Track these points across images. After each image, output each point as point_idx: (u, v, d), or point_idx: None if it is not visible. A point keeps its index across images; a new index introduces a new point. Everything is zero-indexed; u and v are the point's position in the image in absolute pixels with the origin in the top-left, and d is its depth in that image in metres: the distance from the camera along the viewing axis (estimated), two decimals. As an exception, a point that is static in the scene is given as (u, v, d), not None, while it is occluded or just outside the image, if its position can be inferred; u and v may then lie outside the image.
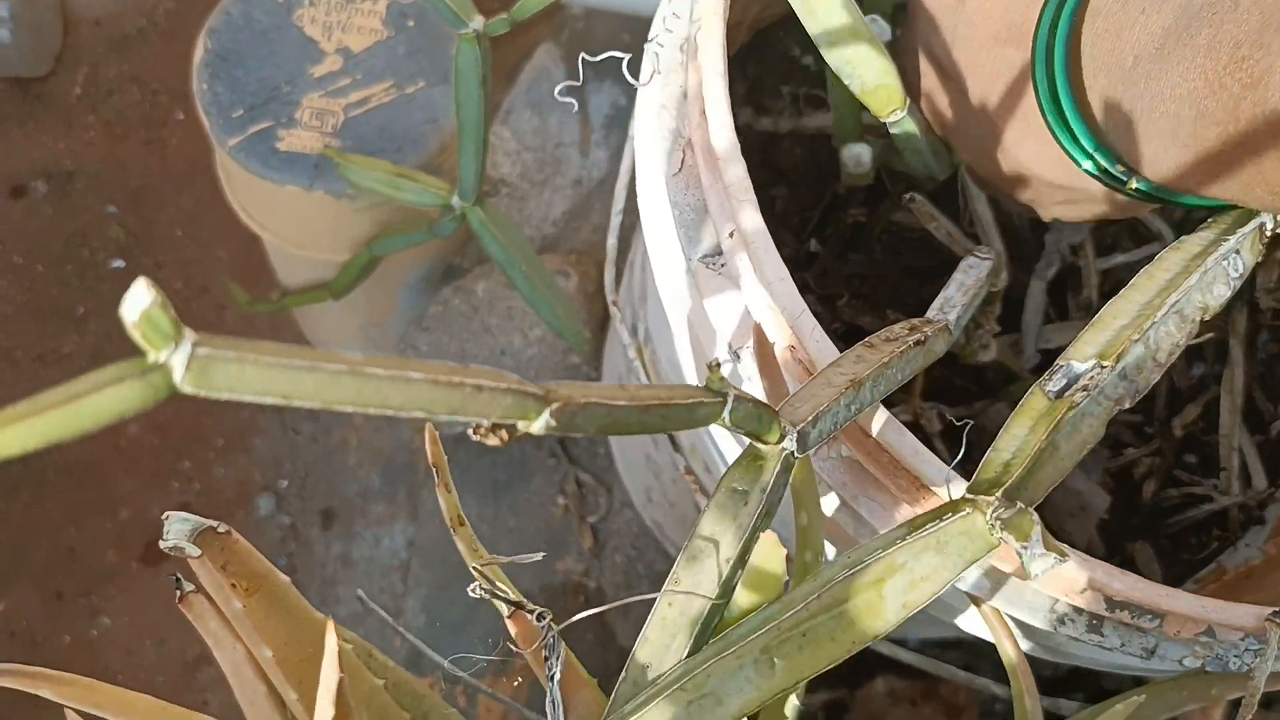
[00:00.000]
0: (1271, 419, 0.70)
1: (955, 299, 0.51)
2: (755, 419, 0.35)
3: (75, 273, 1.27)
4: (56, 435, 0.22)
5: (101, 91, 1.32)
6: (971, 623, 0.51)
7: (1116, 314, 0.42)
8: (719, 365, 0.33)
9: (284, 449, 1.22)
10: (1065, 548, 0.35)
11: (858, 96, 0.51)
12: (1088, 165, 0.48)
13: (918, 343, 0.45)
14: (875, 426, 0.45)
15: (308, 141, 0.85)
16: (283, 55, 0.87)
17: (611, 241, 0.69)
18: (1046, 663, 0.83)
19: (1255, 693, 0.44)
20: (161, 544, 0.44)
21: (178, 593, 0.44)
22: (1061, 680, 0.93)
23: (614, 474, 1.02)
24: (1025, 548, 0.34)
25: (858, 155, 0.58)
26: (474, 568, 0.41)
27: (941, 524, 0.36)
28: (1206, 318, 0.44)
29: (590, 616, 0.96)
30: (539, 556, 0.42)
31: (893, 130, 0.54)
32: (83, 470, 1.21)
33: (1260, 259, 0.47)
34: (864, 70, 0.49)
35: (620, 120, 1.13)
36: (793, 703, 0.49)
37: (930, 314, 0.51)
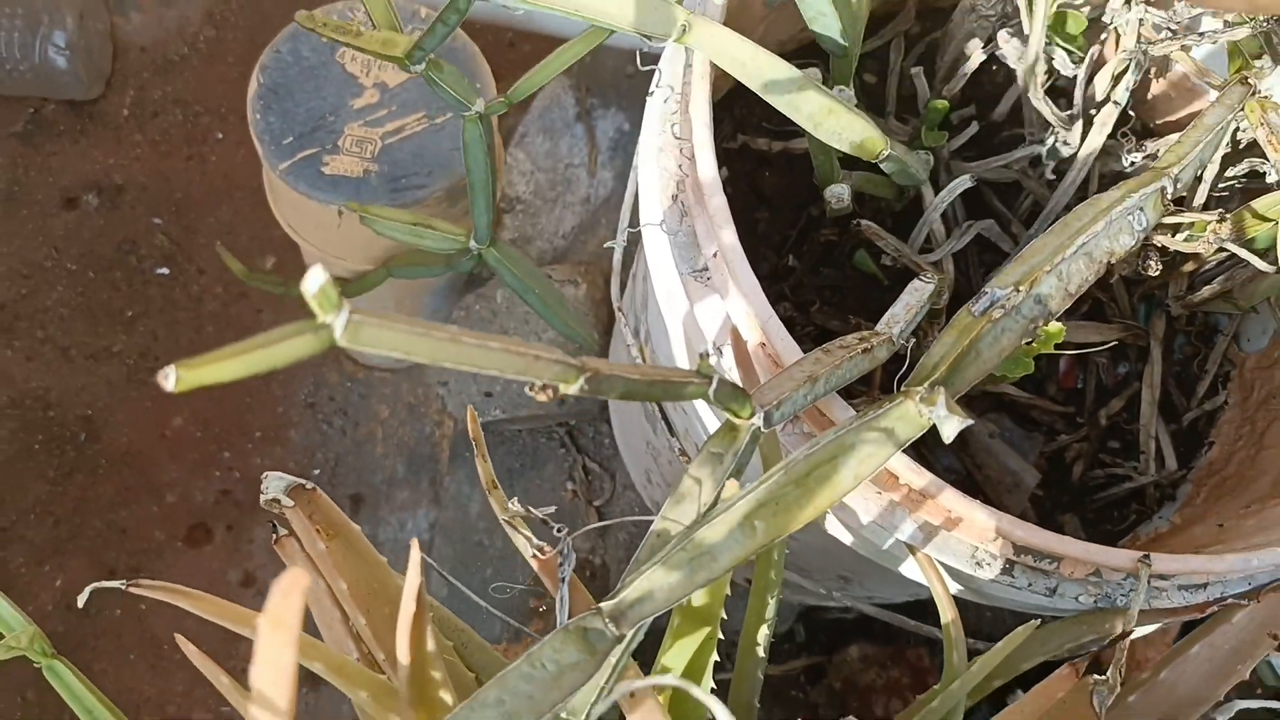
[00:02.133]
0: (1184, 410, 0.81)
1: (899, 315, 0.63)
2: (732, 397, 0.46)
3: (124, 278, 1.38)
4: (256, 369, 0.33)
5: (147, 112, 1.44)
6: (912, 569, 0.62)
7: (1035, 252, 0.53)
8: (707, 355, 0.44)
9: (316, 440, 1.33)
10: (966, 419, 0.46)
11: (848, 152, 0.62)
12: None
13: (864, 350, 0.56)
14: (831, 410, 0.56)
15: (349, 165, 0.96)
16: (327, 89, 0.98)
17: (617, 257, 0.80)
18: (983, 622, 0.95)
19: (1130, 620, 0.55)
20: (262, 496, 0.55)
21: (274, 536, 0.55)
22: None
23: (617, 462, 1.13)
24: (935, 411, 0.45)
25: (839, 194, 0.69)
26: (504, 520, 0.53)
27: (882, 411, 0.47)
28: (1113, 261, 0.55)
29: (593, 581, 1.06)
30: (553, 509, 0.53)
31: (883, 166, 0.65)
32: (132, 458, 1.33)
33: (1161, 218, 0.58)
34: (849, 133, 0.61)
35: (624, 144, 1.24)
36: (764, 632, 0.60)
37: (879, 327, 0.62)
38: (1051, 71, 0.76)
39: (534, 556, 0.49)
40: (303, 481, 0.54)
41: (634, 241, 0.99)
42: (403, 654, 0.45)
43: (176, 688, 1.27)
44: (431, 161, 0.98)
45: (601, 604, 0.43)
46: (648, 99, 0.65)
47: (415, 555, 0.43)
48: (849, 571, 0.79)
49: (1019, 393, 0.80)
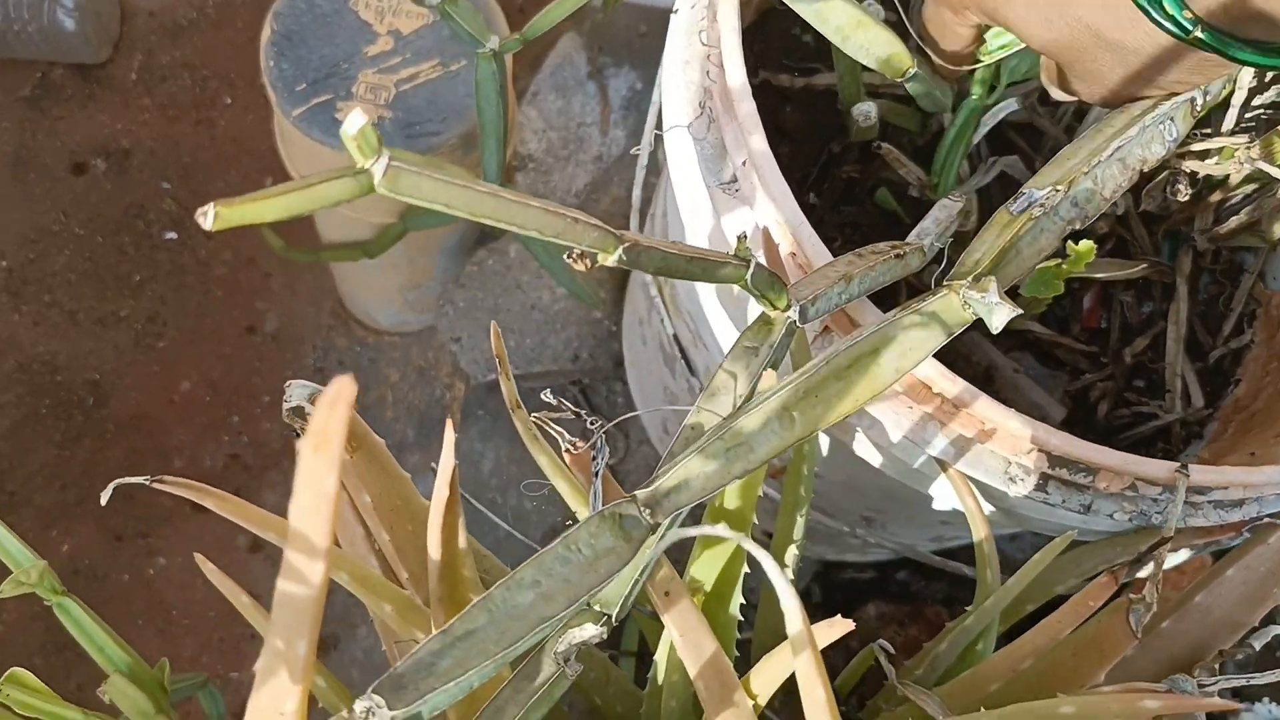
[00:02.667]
0: (1210, 349, 0.80)
1: (929, 229, 0.62)
2: (769, 285, 0.45)
3: (132, 243, 1.37)
4: (297, 210, 0.32)
5: (156, 76, 1.43)
6: (942, 494, 0.61)
7: (1070, 155, 0.52)
8: (746, 238, 0.43)
9: (326, 403, 1.32)
10: (1015, 309, 0.45)
11: (874, 68, 0.61)
12: (1155, 12, 0.45)
13: (897, 256, 0.55)
14: (863, 316, 0.55)
15: (364, 112, 0.95)
16: (341, 36, 0.97)
17: (636, 193, 0.80)
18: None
19: (1169, 531, 0.54)
20: (285, 406, 0.54)
21: (296, 440, 0.54)
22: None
23: (630, 420, 1.12)
24: (985, 298, 0.44)
25: (866, 112, 0.68)
26: (534, 417, 0.51)
27: (925, 303, 0.46)
28: (1145, 169, 0.54)
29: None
30: (585, 410, 0.52)
31: (908, 86, 0.64)
32: (140, 422, 1.32)
33: (1191, 128, 0.57)
34: (876, 48, 0.60)
35: (636, 102, 1.23)
36: (793, 552, 0.59)
37: (910, 239, 0.61)
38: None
39: (567, 451, 0.48)
40: (321, 389, 0.53)
41: (650, 188, 0.97)
42: (434, 547, 0.44)
43: (185, 653, 1.26)
44: (446, 108, 0.97)
45: (637, 492, 0.42)
46: (672, 15, 0.64)
47: (450, 436, 0.42)
48: (875, 507, 0.78)
49: (1043, 330, 0.79)
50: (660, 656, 0.56)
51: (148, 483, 0.51)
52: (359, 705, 0.34)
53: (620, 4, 1.22)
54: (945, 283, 0.48)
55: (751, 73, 0.81)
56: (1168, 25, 0.44)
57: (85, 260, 1.36)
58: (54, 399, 1.31)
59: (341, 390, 0.27)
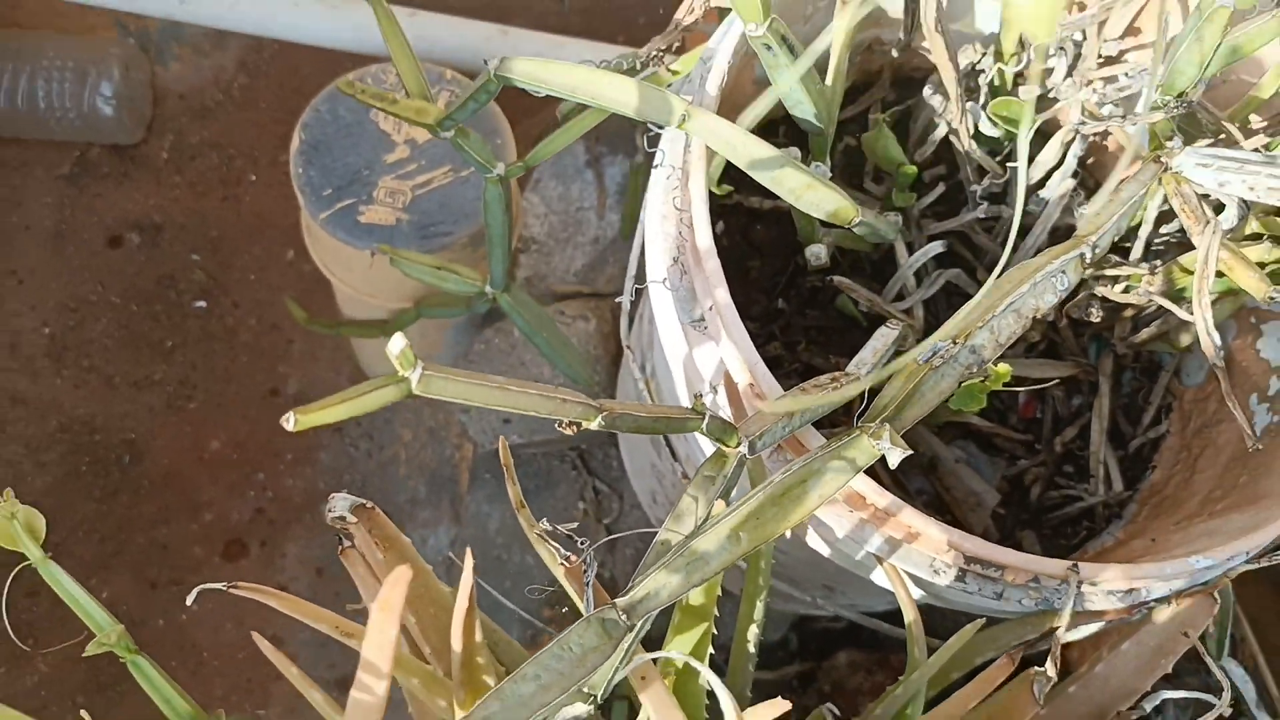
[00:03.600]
0: (1131, 438, 0.91)
1: (866, 359, 0.73)
2: (722, 430, 0.56)
3: (164, 311, 1.48)
4: (357, 411, 0.43)
5: (185, 155, 1.55)
6: (881, 577, 0.72)
7: (970, 310, 0.63)
8: (701, 397, 0.54)
9: (344, 462, 1.43)
10: (907, 449, 0.56)
11: (824, 219, 0.72)
12: None
13: (835, 389, 0.66)
14: (806, 439, 0.66)
15: (383, 215, 1.07)
16: (363, 145, 1.09)
17: (625, 300, 0.91)
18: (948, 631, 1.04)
19: (1064, 619, 0.65)
20: (328, 514, 0.65)
21: (340, 546, 0.65)
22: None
23: (625, 483, 1.23)
24: (881, 444, 0.55)
25: (817, 253, 0.79)
26: (536, 534, 0.62)
27: (842, 443, 0.57)
28: (1039, 316, 0.64)
29: (604, 590, 1.15)
30: (575, 525, 0.63)
31: (855, 229, 0.75)
32: (172, 479, 1.43)
33: (1081, 279, 0.68)
34: (824, 204, 0.71)
35: (629, 188, 1.34)
36: (754, 631, 0.70)
37: (849, 368, 0.72)
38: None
39: (561, 565, 0.59)
40: (364, 501, 0.64)
41: (642, 289, 1.09)
42: (456, 642, 0.55)
43: (216, 693, 1.36)
44: (457, 211, 1.08)
45: (616, 600, 0.53)
46: (653, 171, 0.75)
47: (469, 562, 0.53)
48: (832, 581, 0.89)
49: (983, 422, 0.89)
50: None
51: (225, 588, 0.62)
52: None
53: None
54: (859, 425, 0.59)
55: (725, 200, 0.92)
56: None
57: (121, 328, 1.47)
58: (93, 457, 1.43)
59: (401, 576, 0.38)
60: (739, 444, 0.58)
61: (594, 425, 0.50)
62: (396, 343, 0.44)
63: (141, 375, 1.46)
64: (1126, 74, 0.82)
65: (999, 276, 0.65)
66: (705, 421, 0.55)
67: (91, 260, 1.50)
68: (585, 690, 0.55)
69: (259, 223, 1.53)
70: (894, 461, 0.56)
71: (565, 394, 0.48)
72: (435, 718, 0.64)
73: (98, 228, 1.51)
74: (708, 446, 0.77)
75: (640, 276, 0.85)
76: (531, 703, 0.50)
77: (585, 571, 0.56)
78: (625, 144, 1.36)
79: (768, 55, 0.66)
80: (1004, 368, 0.74)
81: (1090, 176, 0.95)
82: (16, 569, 0.88)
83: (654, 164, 0.74)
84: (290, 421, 0.43)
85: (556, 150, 0.88)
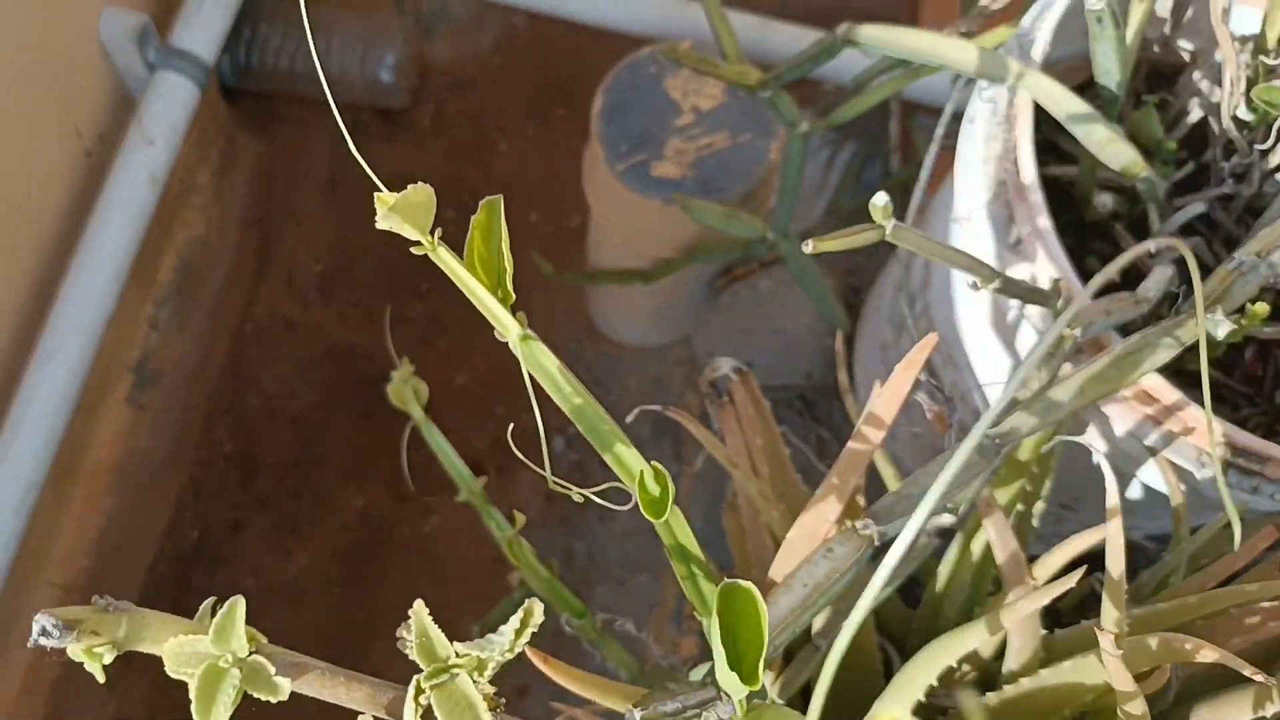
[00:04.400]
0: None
1: (1151, 286, 0.86)
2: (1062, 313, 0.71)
3: (420, 258, 1.66)
4: (846, 246, 0.58)
5: (444, 123, 1.73)
6: (1150, 472, 0.85)
7: (1272, 230, 0.75)
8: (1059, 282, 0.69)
9: (578, 401, 1.59)
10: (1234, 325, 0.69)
11: (1118, 171, 0.86)
12: None
13: (1135, 303, 0.80)
14: (1107, 341, 0.80)
15: (671, 170, 1.23)
16: (655, 110, 1.25)
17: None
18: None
19: (1315, 508, 0.78)
20: (713, 372, 0.80)
21: (720, 401, 0.80)
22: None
23: (846, 431, 1.37)
24: (1214, 317, 0.69)
25: (1105, 202, 0.93)
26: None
27: (1171, 324, 0.71)
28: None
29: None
30: (924, 376, 0.77)
31: (1139, 185, 0.89)
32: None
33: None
34: (1122, 157, 0.84)
35: (850, 162, 1.49)
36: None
37: (1138, 292, 0.85)
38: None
39: (930, 410, 0.73)
40: (742, 366, 0.80)
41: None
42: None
43: (451, 597, 1.53)
44: (733, 172, 1.24)
45: (988, 430, 0.68)
46: (965, 125, 0.90)
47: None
48: (1080, 494, 1.02)
49: (1214, 372, 1.02)
50: (944, 569, 0.81)
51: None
52: (859, 523, 0.60)
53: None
54: (1185, 311, 0.73)
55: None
56: None
57: (383, 268, 1.66)
58: (353, 380, 1.61)
59: (929, 341, 0.53)
60: (1076, 329, 0.72)
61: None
62: (879, 198, 0.59)
63: (398, 312, 1.64)
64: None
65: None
66: (1061, 299, 0.69)
67: (360, 207, 1.68)
68: (950, 506, 0.70)
69: (505, 188, 1.70)
70: (1221, 334, 0.70)
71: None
72: (765, 517, 0.79)
73: (366, 181, 1.70)
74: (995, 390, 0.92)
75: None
76: (926, 496, 0.65)
77: (950, 416, 0.71)
78: (855, 130, 1.51)
79: (1097, 27, 0.80)
80: (1262, 306, 0.87)
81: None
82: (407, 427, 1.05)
83: (969, 117, 0.89)
84: (808, 246, 0.58)
85: (859, 111, 1.04)
